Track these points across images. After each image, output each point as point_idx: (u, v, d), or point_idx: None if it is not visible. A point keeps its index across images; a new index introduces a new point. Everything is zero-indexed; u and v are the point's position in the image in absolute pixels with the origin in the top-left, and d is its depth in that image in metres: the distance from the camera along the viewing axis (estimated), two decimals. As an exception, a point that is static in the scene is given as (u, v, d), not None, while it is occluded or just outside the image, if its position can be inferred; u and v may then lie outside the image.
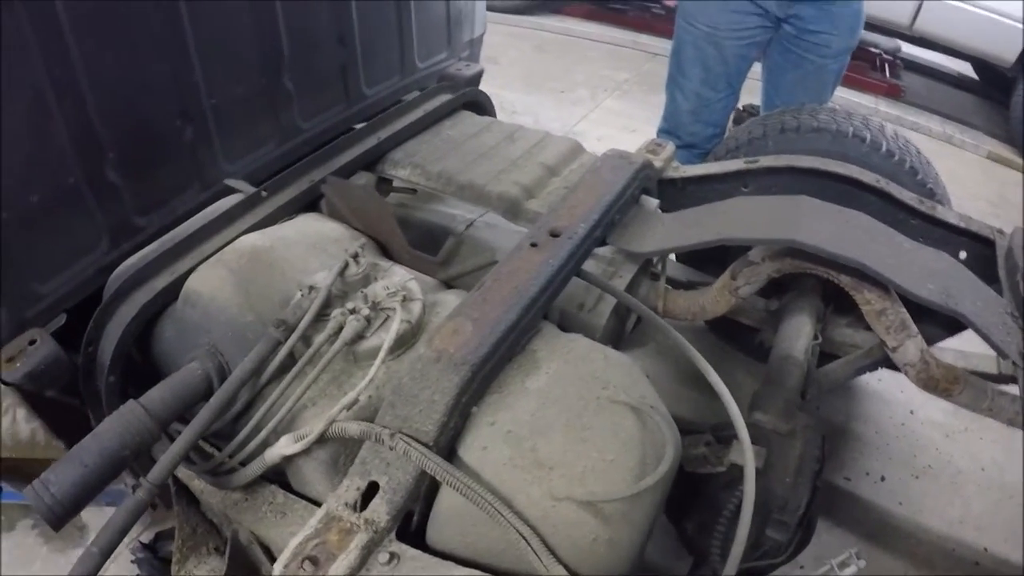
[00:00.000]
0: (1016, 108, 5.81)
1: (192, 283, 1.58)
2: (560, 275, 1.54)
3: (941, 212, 2.06)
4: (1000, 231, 2.10)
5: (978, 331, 1.70)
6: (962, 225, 2.05)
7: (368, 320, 1.46)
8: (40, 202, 1.58)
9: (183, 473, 1.49)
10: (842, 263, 1.62)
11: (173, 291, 1.60)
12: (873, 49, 6.74)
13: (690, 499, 1.63)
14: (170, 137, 1.90)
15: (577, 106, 5.34)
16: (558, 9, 7.28)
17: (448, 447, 1.25)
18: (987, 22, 5.57)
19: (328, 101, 2.45)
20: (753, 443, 1.62)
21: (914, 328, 1.80)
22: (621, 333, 1.94)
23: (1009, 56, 5.64)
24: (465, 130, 2.32)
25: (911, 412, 2.93)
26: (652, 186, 2.07)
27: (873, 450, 2.76)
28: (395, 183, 2.19)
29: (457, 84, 2.76)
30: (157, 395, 1.41)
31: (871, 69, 6.60)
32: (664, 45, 6.35)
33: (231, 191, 1.99)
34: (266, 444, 1.36)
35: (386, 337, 1.41)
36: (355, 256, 1.59)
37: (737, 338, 2.64)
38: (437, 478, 1.18)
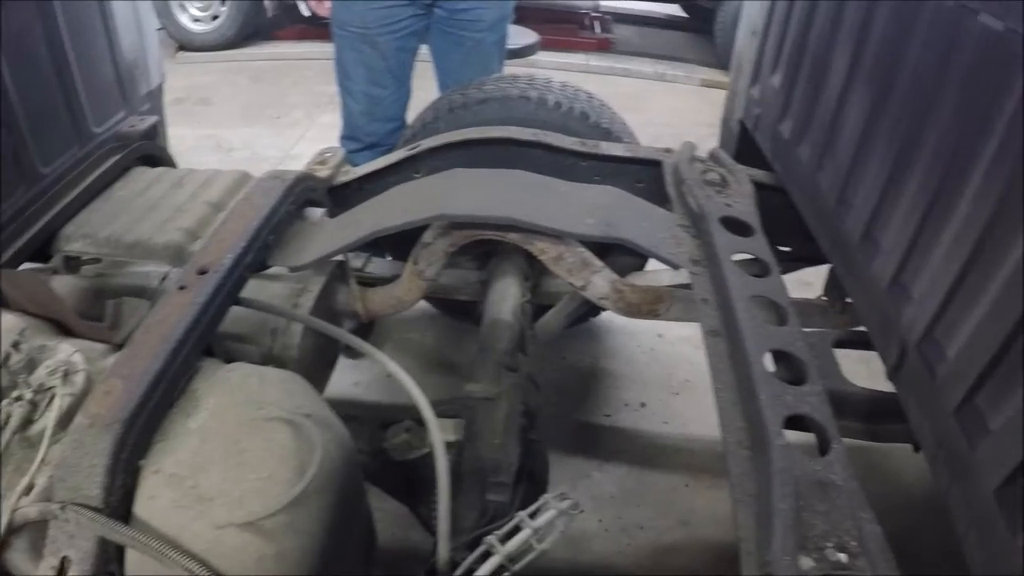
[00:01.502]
0: (718, 34, 6.22)
1: None
2: (208, 312, 1.53)
3: (605, 148, 2.16)
4: (668, 150, 2.22)
5: (644, 251, 1.79)
6: (628, 155, 2.16)
7: (34, 404, 1.42)
8: None
9: None
10: (494, 223, 1.66)
11: None
12: (581, 10, 7.03)
13: (414, 484, 1.64)
14: None
15: (294, 128, 5.30)
16: (271, 36, 7.19)
17: (124, 506, 1.25)
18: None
19: (3, 191, 2.26)
20: (459, 416, 1.66)
21: (597, 263, 1.87)
22: (334, 344, 1.94)
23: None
24: (136, 187, 2.26)
25: (659, 336, 3.07)
26: (319, 196, 2.06)
27: (628, 381, 2.88)
28: (83, 256, 2.11)
29: (131, 142, 2.66)
30: None
31: (581, 28, 6.90)
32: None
33: None
34: None
35: (49, 417, 1.37)
36: (15, 344, 1.53)
37: (468, 315, 2.68)
38: (108, 538, 1.19)
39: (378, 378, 2.70)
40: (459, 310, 2.73)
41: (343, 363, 2.45)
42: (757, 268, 1.75)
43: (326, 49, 6.69)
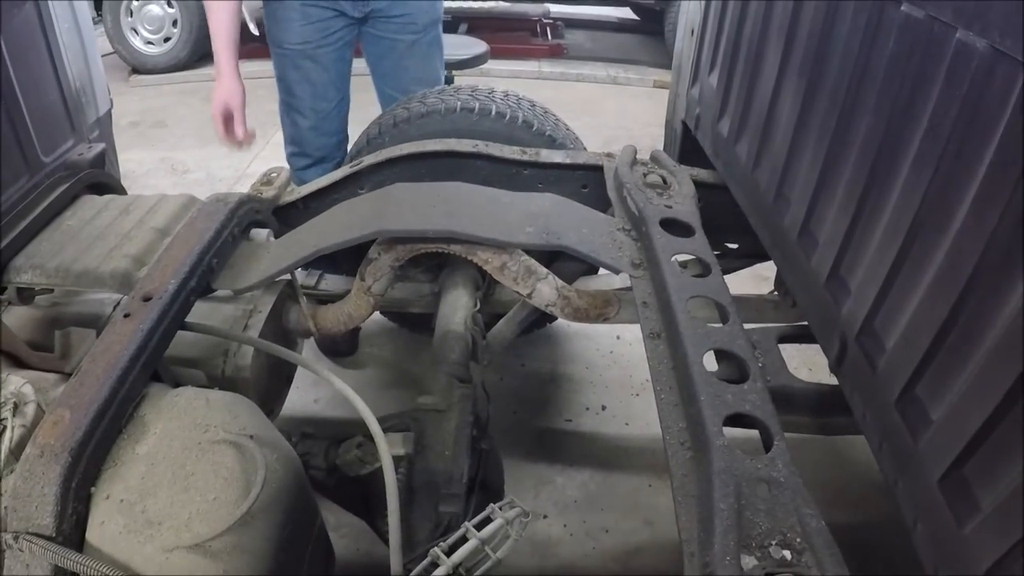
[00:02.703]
0: (668, 35, 6.29)
1: None
2: (153, 338, 1.55)
3: (545, 155, 2.19)
4: (610, 155, 2.25)
5: (584, 257, 1.81)
6: (569, 161, 2.18)
7: None
8: None
9: None
10: (434, 236, 1.68)
11: None
12: (532, 17, 7.07)
13: (369, 499, 1.66)
14: None
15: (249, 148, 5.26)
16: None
17: (77, 533, 1.27)
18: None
19: None
20: (409, 429, 1.68)
21: (542, 271, 1.89)
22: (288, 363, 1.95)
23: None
24: (84, 216, 2.24)
25: (617, 338, 3.10)
26: (264, 217, 2.07)
27: (588, 385, 2.90)
28: (35, 287, 2.10)
29: (80, 170, 2.65)
30: None
31: (532, 35, 6.93)
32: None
33: None
34: None
35: (2, 447, 1.39)
36: None
37: (425, 327, 2.70)
38: (60, 565, 1.20)
39: (337, 395, 2.69)
40: (416, 322, 2.74)
41: (303, 381, 2.46)
42: (699, 268, 1.78)
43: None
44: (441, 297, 2.13)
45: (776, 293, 2.30)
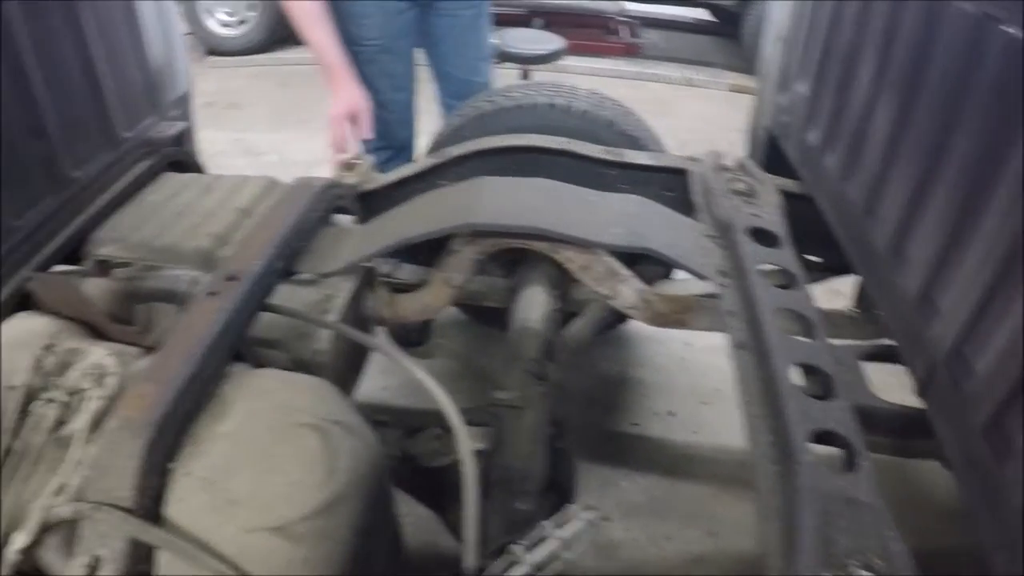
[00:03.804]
0: (746, 38, 6.21)
1: None
2: (237, 318, 1.56)
3: (630, 156, 2.15)
4: (694, 158, 2.22)
5: (671, 261, 1.79)
6: (654, 163, 2.15)
7: (67, 405, 1.46)
8: None
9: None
10: (520, 232, 1.67)
11: None
12: (607, 15, 7.03)
13: (442, 491, 1.66)
14: None
15: (323, 134, 5.28)
16: (297, 42, 7.20)
17: (154, 508, 1.28)
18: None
19: (36, 194, 2.27)
20: (486, 423, 1.67)
21: (625, 273, 1.86)
22: (362, 349, 1.95)
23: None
24: (165, 192, 2.28)
25: (688, 344, 3.06)
26: (347, 203, 2.08)
27: (657, 390, 2.87)
28: (113, 260, 2.12)
29: (161, 147, 2.69)
30: None
31: (607, 33, 6.89)
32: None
33: None
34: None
35: (81, 419, 1.41)
36: (47, 347, 1.57)
37: (497, 321, 2.69)
38: (140, 538, 1.22)
39: (406, 383, 2.71)
40: (488, 316, 2.73)
41: (371, 368, 2.47)
42: (784, 279, 1.74)
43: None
44: (517, 293, 2.12)
45: (855, 310, 2.25)
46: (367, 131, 2.70)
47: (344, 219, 2.04)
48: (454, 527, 1.70)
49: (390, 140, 3.01)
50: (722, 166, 2.14)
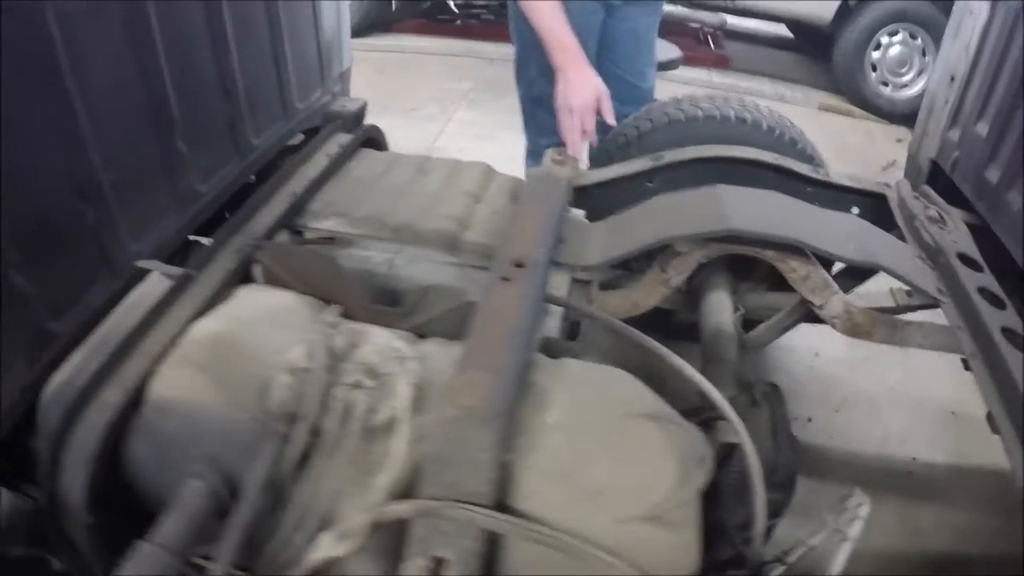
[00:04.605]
0: (838, 59, 6.28)
1: (158, 390, 1.40)
2: (536, 306, 1.54)
3: (835, 177, 2.27)
4: (887, 184, 2.34)
5: (899, 277, 1.89)
6: (855, 185, 2.27)
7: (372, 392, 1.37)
8: None
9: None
10: (777, 242, 1.78)
11: (133, 403, 1.40)
12: (694, 24, 7.10)
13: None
14: (72, 224, 1.69)
15: (430, 122, 5.41)
16: (389, 28, 7.34)
17: (498, 503, 1.23)
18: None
19: (221, 159, 2.32)
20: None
21: (835, 285, 1.97)
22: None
23: (827, 15, 6.13)
24: (372, 169, 2.27)
25: (816, 355, 3.18)
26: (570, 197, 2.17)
27: (792, 396, 2.95)
28: (308, 235, 2.07)
29: (342, 121, 2.75)
30: (171, 529, 1.24)
31: (697, 43, 6.97)
32: (497, 50, 6.48)
33: (144, 274, 1.78)
34: (297, 548, 1.26)
35: (399, 406, 1.33)
36: (333, 325, 1.51)
37: (653, 324, 2.77)
38: (514, 536, 1.20)
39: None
40: (646, 317, 2.82)
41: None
42: (994, 302, 1.86)
43: (448, 45, 6.99)
44: (703, 297, 2.20)
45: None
46: (610, 118, 2.57)
47: (578, 212, 2.11)
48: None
49: None
50: (913, 193, 2.26)
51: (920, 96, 5.85)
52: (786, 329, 2.33)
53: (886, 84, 6.25)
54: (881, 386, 3.07)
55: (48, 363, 1.55)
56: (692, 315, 2.26)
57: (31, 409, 1.49)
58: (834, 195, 2.28)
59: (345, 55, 3.23)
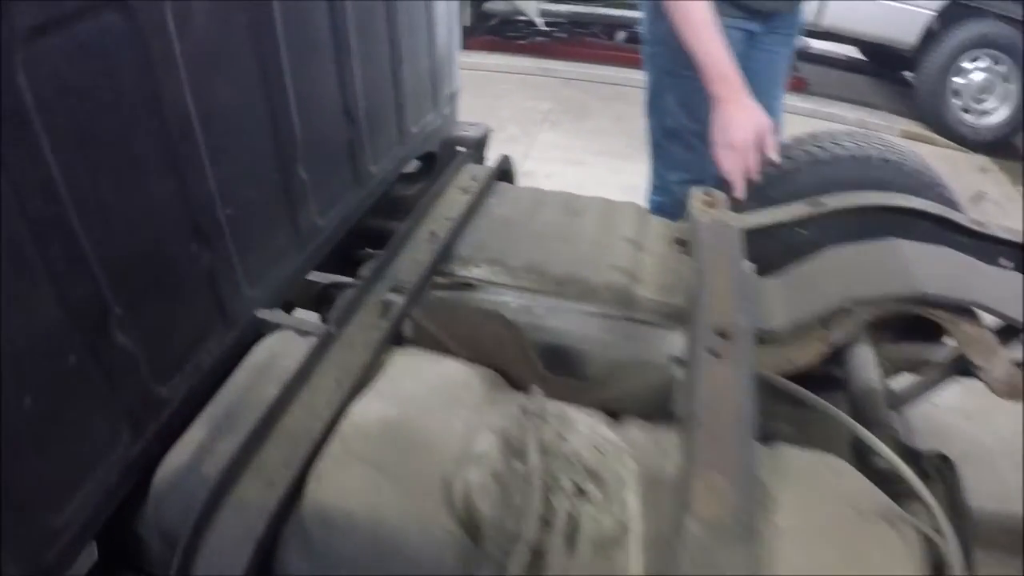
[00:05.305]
0: (921, 84, 6.17)
1: (321, 496, 1.21)
2: (752, 387, 1.40)
3: (993, 229, 2.17)
4: (1031, 232, 2.24)
5: None
6: (1010, 238, 2.17)
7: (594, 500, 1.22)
8: (34, 405, 1.12)
9: None
10: (965, 306, 1.71)
11: (286, 508, 1.22)
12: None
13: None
14: (184, 268, 1.49)
15: (514, 144, 5.33)
16: (463, 45, 7.25)
17: None
18: (891, 11, 5.91)
19: (340, 188, 2.16)
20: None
21: (1002, 350, 1.89)
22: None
23: (912, 38, 5.99)
24: (515, 207, 2.09)
25: (934, 405, 3.08)
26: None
27: (916, 450, 2.89)
28: (440, 280, 1.85)
29: (465, 147, 2.64)
30: None
31: (777, 66, 6.85)
32: (572, 69, 6.38)
33: (266, 327, 1.65)
34: None
35: (631, 515, 1.20)
36: (530, 411, 1.33)
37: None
38: None
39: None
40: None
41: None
42: None
43: (522, 63, 6.90)
44: (850, 351, 2.11)
45: None
46: (775, 154, 2.40)
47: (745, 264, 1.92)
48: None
49: (704, 178, 2.76)
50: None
51: (1003, 124, 5.85)
52: (934, 385, 2.25)
53: (967, 111, 6.13)
54: (995, 437, 2.99)
55: (153, 436, 1.40)
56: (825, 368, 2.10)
57: (137, 487, 1.34)
58: (979, 245, 2.18)
59: (455, 74, 3.10)
